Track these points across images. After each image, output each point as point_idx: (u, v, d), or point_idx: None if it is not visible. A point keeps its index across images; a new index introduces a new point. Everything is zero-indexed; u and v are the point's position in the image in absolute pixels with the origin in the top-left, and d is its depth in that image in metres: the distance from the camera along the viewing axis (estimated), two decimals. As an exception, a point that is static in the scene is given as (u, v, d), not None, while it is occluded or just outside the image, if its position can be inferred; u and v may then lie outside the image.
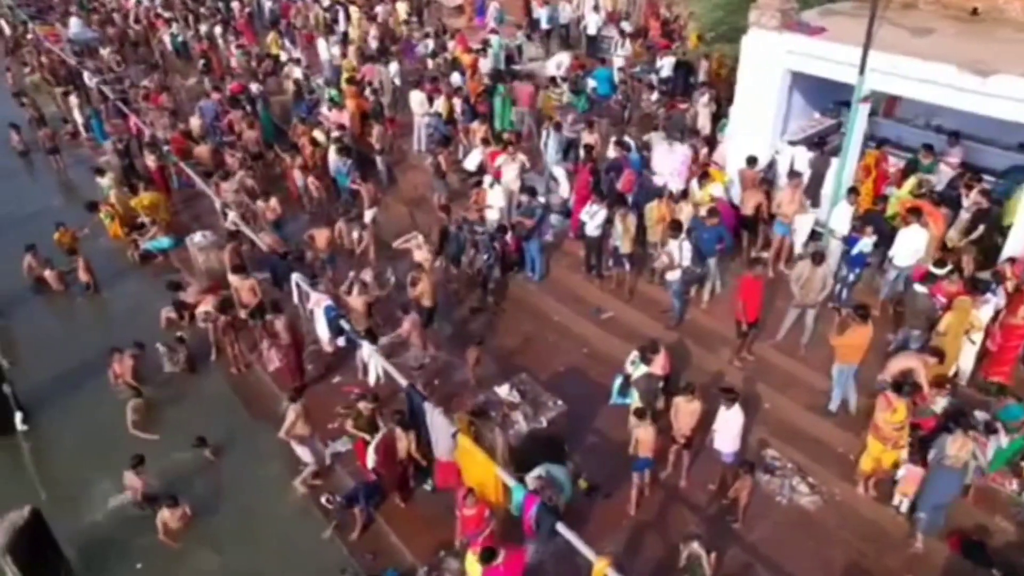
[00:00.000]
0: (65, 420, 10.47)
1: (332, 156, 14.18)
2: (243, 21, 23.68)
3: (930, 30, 10.51)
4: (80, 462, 9.73)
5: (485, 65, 17.09)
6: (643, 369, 9.02)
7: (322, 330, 9.82)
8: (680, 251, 9.97)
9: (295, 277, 10.32)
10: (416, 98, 15.16)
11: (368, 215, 12.88)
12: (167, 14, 25.22)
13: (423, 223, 12.87)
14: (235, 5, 24.93)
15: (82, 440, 10.07)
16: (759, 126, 11.41)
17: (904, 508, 7.86)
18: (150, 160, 15.04)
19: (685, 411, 8.28)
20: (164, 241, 14.13)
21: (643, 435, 8.12)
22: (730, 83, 15.65)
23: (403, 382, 8.42)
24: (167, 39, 23.54)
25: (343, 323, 9.42)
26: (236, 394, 10.84)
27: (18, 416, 10.03)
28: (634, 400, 8.92)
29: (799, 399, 9.41)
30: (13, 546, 7.35)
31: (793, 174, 10.97)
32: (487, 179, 12.14)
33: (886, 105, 12.39)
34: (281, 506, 9.07)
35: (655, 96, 15.89)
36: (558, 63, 17.23)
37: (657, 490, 8.67)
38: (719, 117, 14.15)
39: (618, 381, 9.46)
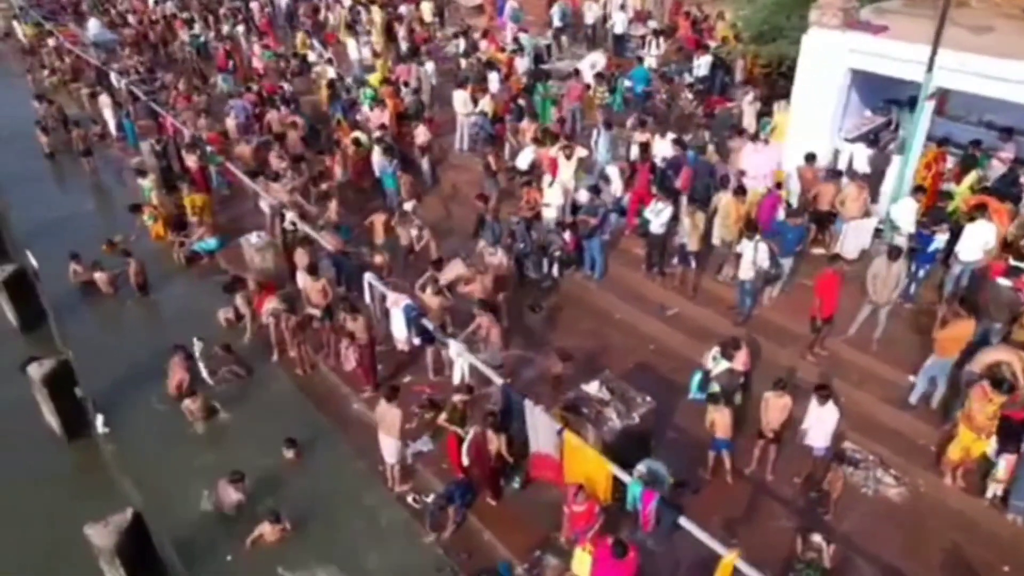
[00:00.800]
0: (135, 422, 10.40)
1: (377, 156, 14.19)
2: (265, 21, 23.60)
3: (989, 28, 10.69)
4: (160, 463, 9.68)
5: (522, 64, 17.15)
6: (724, 365, 9.14)
7: (399, 329, 9.84)
8: (756, 251, 10.04)
9: (367, 277, 10.33)
10: (459, 97, 15.18)
11: (408, 206, 13.01)
12: (184, 15, 25.09)
13: (461, 219, 13.09)
14: (254, 5, 24.82)
15: (158, 441, 10.05)
16: (819, 124, 11.55)
17: (999, 493, 7.99)
18: (191, 160, 14.95)
19: (775, 406, 8.39)
20: (211, 242, 14.06)
21: (719, 418, 8.38)
22: (767, 82, 15.96)
23: (498, 380, 8.47)
24: (187, 40, 23.47)
25: (425, 322, 9.43)
26: (306, 396, 10.80)
27: (99, 419, 9.97)
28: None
29: (875, 393, 9.52)
30: (120, 548, 7.33)
31: (853, 173, 11.14)
32: (546, 177, 12.19)
33: (936, 103, 12.54)
34: (369, 506, 9.08)
35: (691, 95, 16.09)
36: (592, 63, 17.32)
37: (744, 484, 8.77)
38: (761, 116, 14.35)
39: (697, 377, 9.54)
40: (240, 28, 22.22)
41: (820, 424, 8.16)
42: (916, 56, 9.98)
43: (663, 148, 12.47)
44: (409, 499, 9.03)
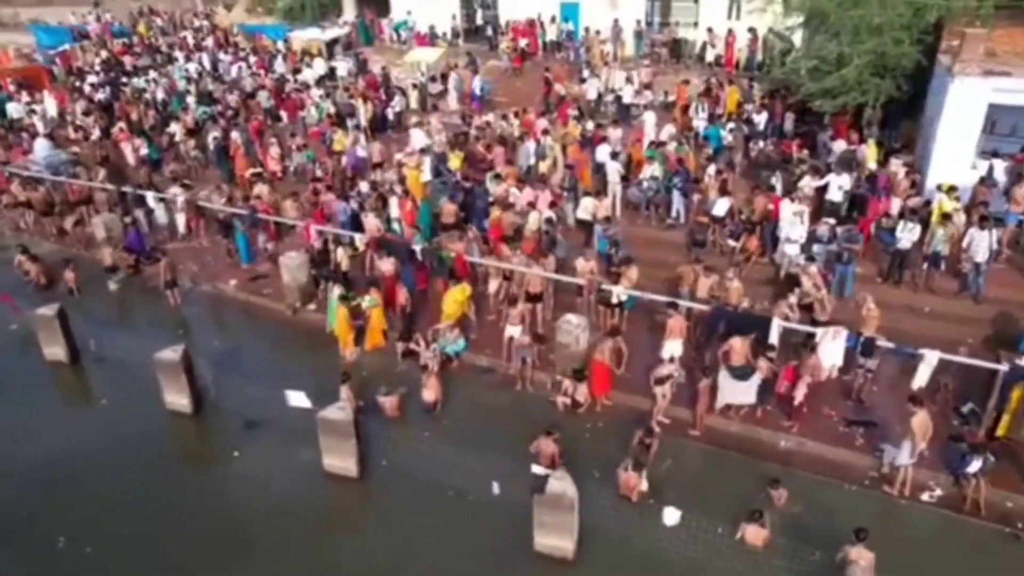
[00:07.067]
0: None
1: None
2: (257, 124, 21.89)
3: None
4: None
5: (615, 134, 18.68)
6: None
7: (831, 358, 11.06)
8: (991, 236, 13.03)
9: (776, 322, 11.28)
10: (613, 168, 16.36)
11: None
12: (121, 125, 22.17)
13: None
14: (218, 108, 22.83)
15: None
16: (963, 147, 15.12)
17: None
18: (386, 265, 14.01)
19: None
20: (461, 343, 13.36)
21: None
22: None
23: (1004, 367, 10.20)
24: (142, 151, 20.90)
25: (883, 342, 10.78)
26: (719, 447, 11.35)
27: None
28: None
29: None
30: None
31: (994, 181, 14.87)
32: (790, 218, 14.06)
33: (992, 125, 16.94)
34: (888, 512, 10.16)
35: (761, 144, 19.02)
36: (654, 125, 19.43)
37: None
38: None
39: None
40: (235, 134, 20.38)
41: None
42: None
43: (843, 183, 15.08)
44: (923, 496, 10.24)
